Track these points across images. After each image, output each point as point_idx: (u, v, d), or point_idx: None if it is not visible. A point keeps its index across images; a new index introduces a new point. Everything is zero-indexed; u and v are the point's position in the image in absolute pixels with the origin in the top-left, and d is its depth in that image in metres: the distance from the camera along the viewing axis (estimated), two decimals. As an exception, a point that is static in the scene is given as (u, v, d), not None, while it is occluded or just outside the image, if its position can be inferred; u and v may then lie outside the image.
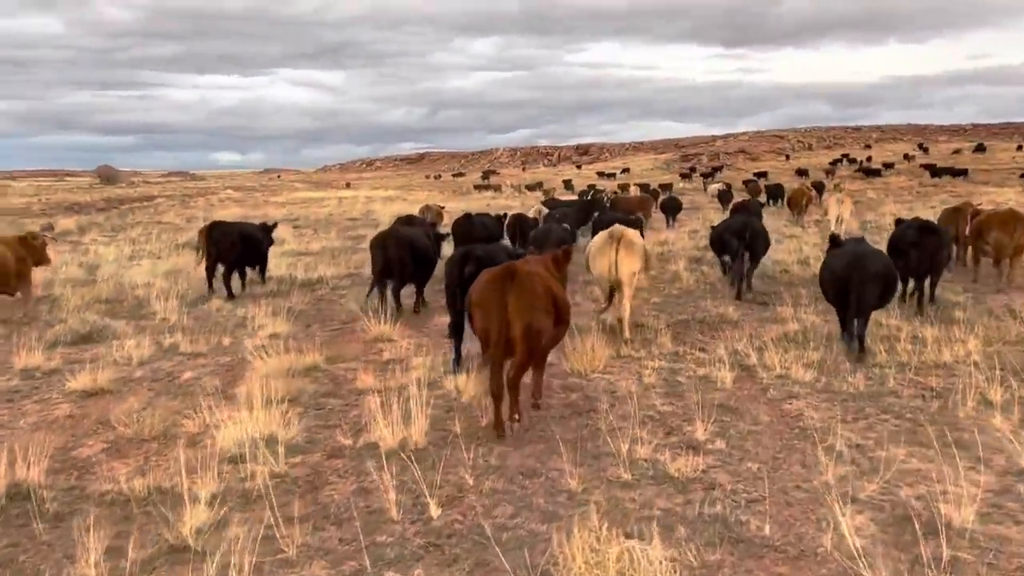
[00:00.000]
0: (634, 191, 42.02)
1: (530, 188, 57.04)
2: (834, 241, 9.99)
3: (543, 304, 6.47)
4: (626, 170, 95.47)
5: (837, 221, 22.27)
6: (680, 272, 15.41)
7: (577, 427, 6.53)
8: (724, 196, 33.24)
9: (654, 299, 12.87)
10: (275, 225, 16.45)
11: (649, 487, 5.32)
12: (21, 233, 15.81)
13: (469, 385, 7.53)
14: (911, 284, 11.56)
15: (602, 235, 10.39)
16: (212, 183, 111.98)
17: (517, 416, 6.49)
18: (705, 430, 6.24)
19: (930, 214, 21.83)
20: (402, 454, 5.87)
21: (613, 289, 10.17)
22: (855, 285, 8.67)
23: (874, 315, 10.27)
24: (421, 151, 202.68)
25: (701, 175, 62.93)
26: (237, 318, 11.45)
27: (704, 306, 11.86)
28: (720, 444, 6.07)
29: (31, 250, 12.82)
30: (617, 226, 10.63)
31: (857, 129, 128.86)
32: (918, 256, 10.77)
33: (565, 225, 16.87)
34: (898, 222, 12.33)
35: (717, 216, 29.21)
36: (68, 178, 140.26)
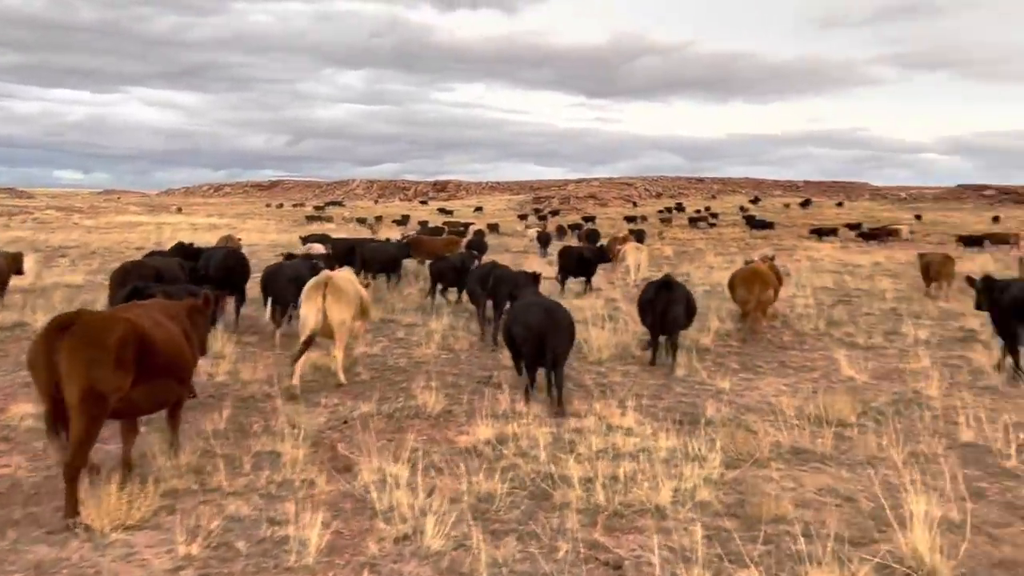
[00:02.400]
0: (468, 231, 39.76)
1: (361, 221, 53.75)
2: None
3: (112, 359, 5.36)
4: (479, 209, 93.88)
5: (636, 269, 20.72)
6: (440, 330, 12.68)
7: None
8: (543, 239, 31.52)
9: (364, 375, 10.00)
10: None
11: None
12: None
13: None
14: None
15: (313, 280, 9.64)
16: (40, 202, 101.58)
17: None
18: None
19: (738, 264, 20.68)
20: None
21: (311, 338, 9.18)
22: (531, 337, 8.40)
23: (602, 411, 7.97)
24: (276, 179, 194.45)
25: (539, 217, 61.80)
26: None
27: (416, 388, 9.06)
28: None
29: None
30: (325, 271, 10.03)
31: (701, 180, 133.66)
32: (653, 312, 10.53)
33: (318, 263, 14.22)
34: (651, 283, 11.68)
35: (531, 260, 27.30)
36: None
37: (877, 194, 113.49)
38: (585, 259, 19.26)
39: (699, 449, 6.80)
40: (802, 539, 4.96)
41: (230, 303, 13.16)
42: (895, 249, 35.51)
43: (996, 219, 58.33)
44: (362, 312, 10.29)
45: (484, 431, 7.18)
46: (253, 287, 14.01)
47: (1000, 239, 37.44)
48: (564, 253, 19.79)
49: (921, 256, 20.18)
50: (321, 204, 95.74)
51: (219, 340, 11.25)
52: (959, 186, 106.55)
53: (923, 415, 8.09)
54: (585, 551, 4.97)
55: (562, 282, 19.23)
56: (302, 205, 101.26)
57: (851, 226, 48.78)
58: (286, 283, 11.95)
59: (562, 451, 6.80)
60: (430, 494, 5.65)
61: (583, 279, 19.22)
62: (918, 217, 63.20)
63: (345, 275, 10.47)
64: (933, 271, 18.69)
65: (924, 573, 4.61)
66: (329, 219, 58.63)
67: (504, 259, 28.30)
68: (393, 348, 11.91)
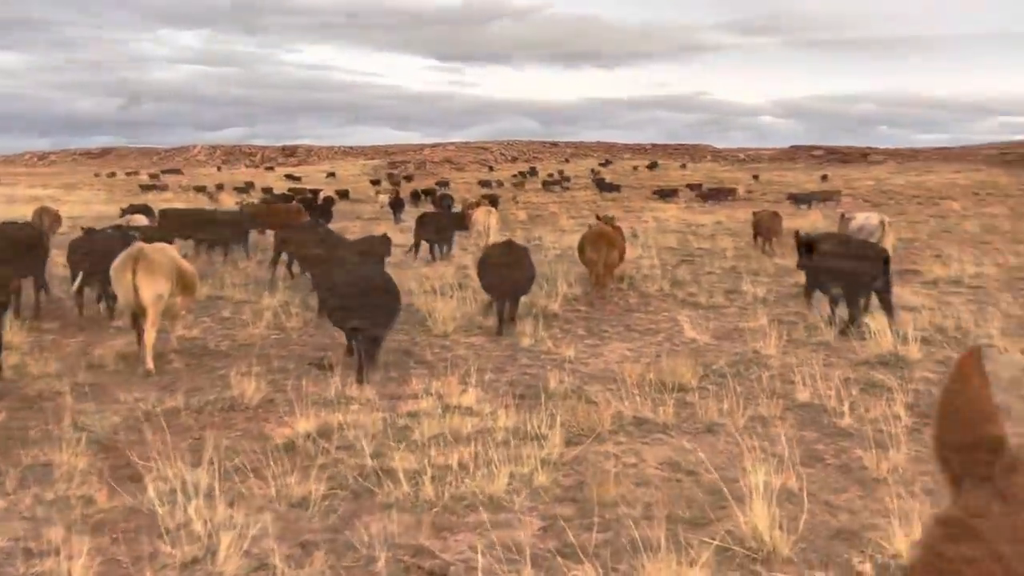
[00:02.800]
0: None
1: (199, 190, 50.38)
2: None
3: None
4: (332, 174, 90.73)
5: (486, 232, 20.36)
6: (273, 307, 11.68)
7: None
8: (396, 205, 30.58)
9: (177, 363, 8.95)
10: None
11: None
12: None
13: None
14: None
15: (124, 253, 8.98)
16: None
17: None
18: None
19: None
20: None
21: (135, 316, 8.94)
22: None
23: (441, 389, 7.45)
24: (108, 146, 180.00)
25: (392, 183, 60.38)
26: None
27: (235, 376, 8.09)
28: None
29: None
30: (137, 244, 9.36)
31: (555, 144, 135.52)
32: (500, 275, 10.54)
33: (133, 234, 12.91)
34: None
35: (384, 227, 26.32)
36: None
37: (719, 156, 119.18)
38: (443, 226, 18.92)
39: (539, 427, 6.38)
40: (642, 524, 4.63)
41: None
42: (736, 208, 37.07)
43: (825, 178, 62.50)
44: (185, 288, 9.33)
45: (306, 423, 6.46)
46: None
47: (826, 196, 40.00)
48: (422, 220, 19.23)
49: (754, 214, 21.07)
50: (157, 172, 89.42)
51: (9, 329, 9.82)
52: (792, 147, 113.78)
53: (761, 376, 8.08)
54: (407, 559, 4.41)
55: (417, 249, 18.59)
56: (136, 173, 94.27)
57: (692, 186, 50.70)
58: (98, 257, 10.72)
59: (393, 440, 6.20)
60: (232, 504, 4.90)
61: (436, 245, 18.75)
62: (755, 177, 66.69)
63: (161, 247, 9.62)
64: (763, 228, 19.54)
65: (764, 553, 4.37)
66: (165, 188, 54.65)
67: (355, 226, 27.25)
68: (216, 329, 10.85)
